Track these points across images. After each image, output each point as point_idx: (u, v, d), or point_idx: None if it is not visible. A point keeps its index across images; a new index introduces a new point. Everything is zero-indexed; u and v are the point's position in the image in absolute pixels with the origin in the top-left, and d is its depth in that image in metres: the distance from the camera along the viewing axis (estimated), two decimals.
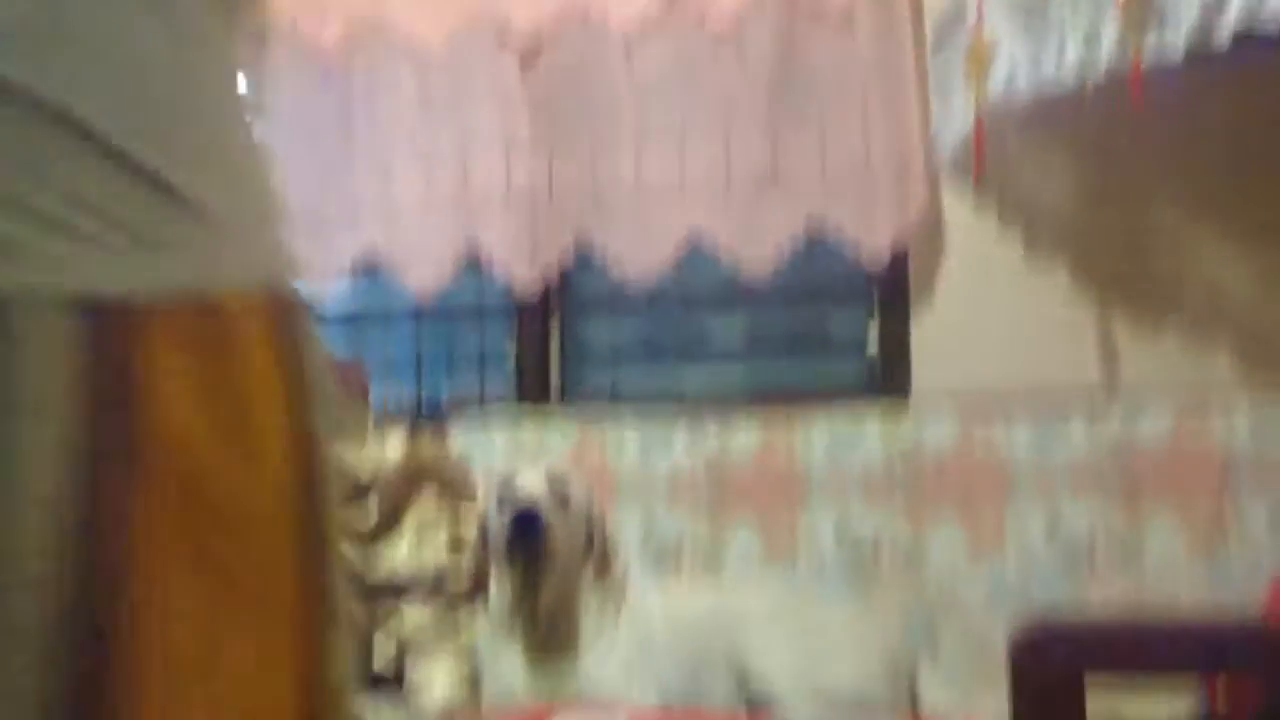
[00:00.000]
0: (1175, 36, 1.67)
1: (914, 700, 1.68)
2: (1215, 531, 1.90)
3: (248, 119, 0.70)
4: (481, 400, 2.60)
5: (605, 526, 1.74)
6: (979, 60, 2.01)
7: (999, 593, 1.94)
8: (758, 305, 2.60)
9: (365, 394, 2.25)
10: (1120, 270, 2.18)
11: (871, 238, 2.25)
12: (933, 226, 2.26)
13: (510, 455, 2.23)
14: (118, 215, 0.59)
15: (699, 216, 2.34)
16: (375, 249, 2.50)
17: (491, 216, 2.43)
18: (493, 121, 2.44)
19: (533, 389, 2.54)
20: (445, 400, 2.64)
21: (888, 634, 1.75)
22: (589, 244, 2.41)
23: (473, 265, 2.52)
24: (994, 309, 2.24)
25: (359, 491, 1.89)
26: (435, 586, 1.89)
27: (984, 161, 2.05)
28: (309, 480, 0.65)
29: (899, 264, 2.30)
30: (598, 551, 1.70)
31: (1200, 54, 1.69)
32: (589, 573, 1.70)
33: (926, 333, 2.28)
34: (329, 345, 1.88)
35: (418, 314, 2.66)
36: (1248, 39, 1.66)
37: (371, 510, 1.87)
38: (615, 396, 2.58)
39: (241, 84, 0.72)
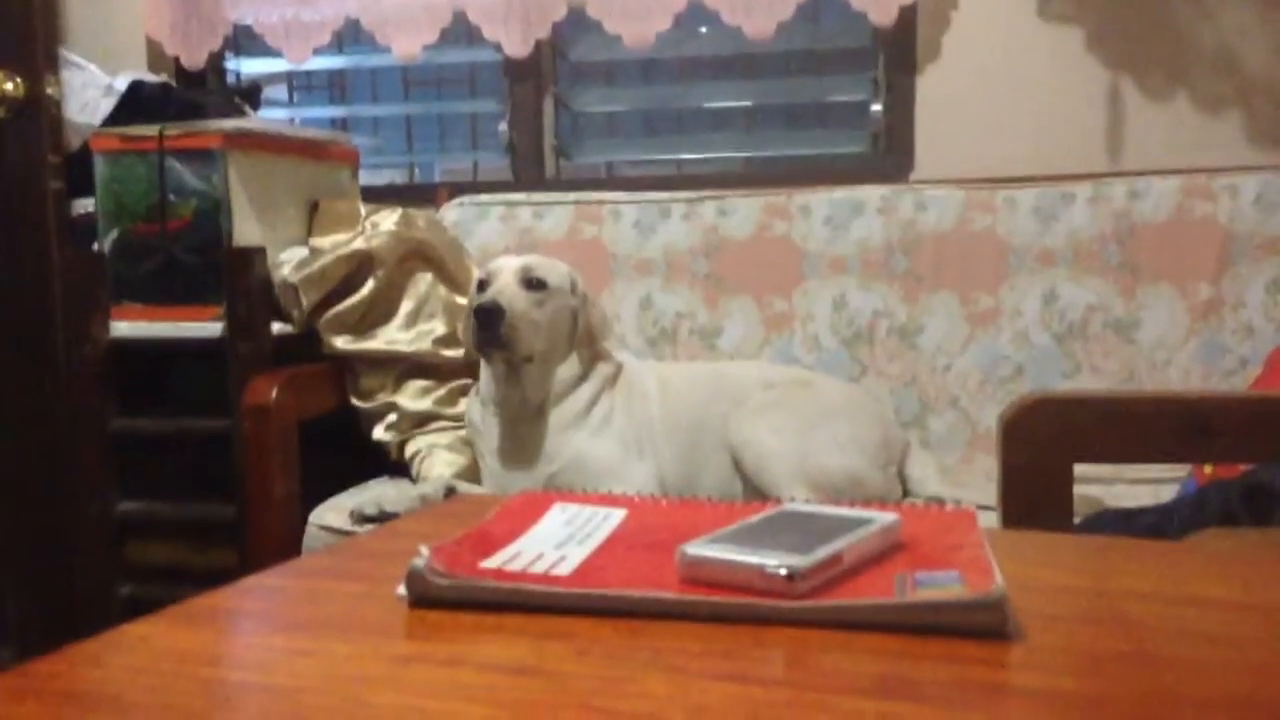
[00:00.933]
0: None
1: (904, 481, 1.71)
2: (1211, 310, 1.89)
3: None
4: (475, 180, 2.55)
5: (593, 308, 1.72)
6: None
7: (992, 373, 1.95)
8: (759, 75, 2.50)
9: (354, 169, 2.20)
10: (1132, 35, 2.09)
11: None
12: None
13: (505, 237, 2.20)
14: None
15: None
16: (357, 16, 2.39)
17: None
18: None
19: (528, 169, 2.48)
20: (439, 181, 2.59)
21: (882, 415, 1.76)
22: (581, 8, 2.30)
23: (463, 33, 2.41)
24: (1002, 78, 2.16)
25: (355, 273, 1.87)
26: (430, 370, 1.90)
27: None
28: None
29: (907, 27, 2.19)
30: (582, 333, 1.68)
31: None
32: (581, 356, 1.69)
33: (931, 106, 2.21)
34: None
35: (406, 86, 2.57)
36: None
37: (366, 291, 1.85)
38: (611, 174, 2.52)
39: None
